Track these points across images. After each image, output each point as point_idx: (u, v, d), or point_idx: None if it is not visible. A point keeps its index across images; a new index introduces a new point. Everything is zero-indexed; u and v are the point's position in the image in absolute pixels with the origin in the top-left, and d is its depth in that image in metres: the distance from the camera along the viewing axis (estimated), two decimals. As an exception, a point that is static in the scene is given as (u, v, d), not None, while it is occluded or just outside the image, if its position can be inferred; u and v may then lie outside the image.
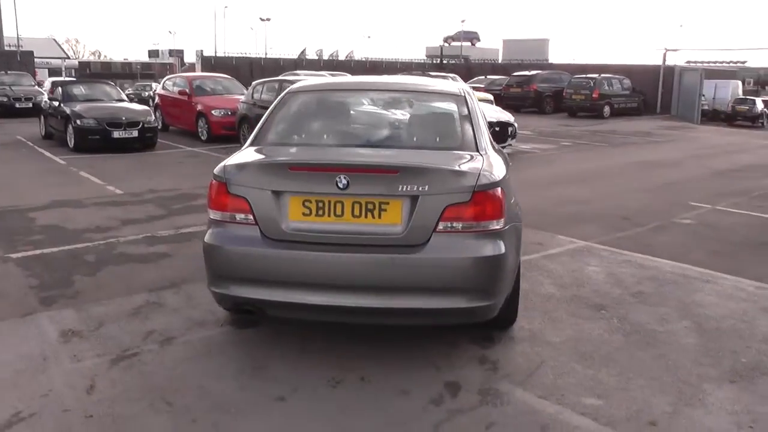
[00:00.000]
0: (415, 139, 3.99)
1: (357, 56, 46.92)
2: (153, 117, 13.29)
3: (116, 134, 12.32)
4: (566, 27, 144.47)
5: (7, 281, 4.94)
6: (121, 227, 6.67)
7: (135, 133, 12.51)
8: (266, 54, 41.72)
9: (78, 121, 12.28)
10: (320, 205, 3.26)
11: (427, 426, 2.98)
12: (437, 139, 3.93)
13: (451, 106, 4.11)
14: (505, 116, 12.86)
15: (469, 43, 58.97)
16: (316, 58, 42.08)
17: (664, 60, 28.56)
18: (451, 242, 3.21)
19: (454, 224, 3.21)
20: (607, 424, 3.01)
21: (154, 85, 38.97)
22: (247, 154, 3.69)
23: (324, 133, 4.07)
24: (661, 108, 27.37)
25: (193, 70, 32.21)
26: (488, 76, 31.63)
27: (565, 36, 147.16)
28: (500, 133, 5.07)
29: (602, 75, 25.38)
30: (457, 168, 3.38)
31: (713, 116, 27.31)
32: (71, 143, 12.45)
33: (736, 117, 26.95)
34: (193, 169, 10.93)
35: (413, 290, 3.23)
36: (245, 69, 31.79)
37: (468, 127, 3.85)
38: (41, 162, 11.44)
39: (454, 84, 4.60)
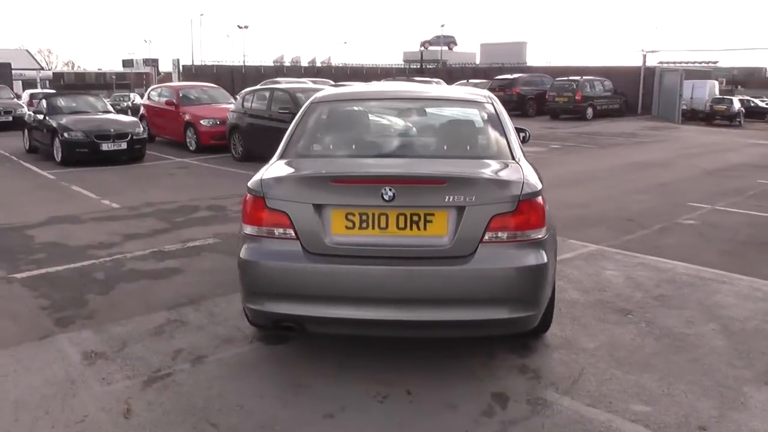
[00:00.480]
0: (445, 147, 3.96)
1: (334, 62, 46.90)
2: (141, 128, 13.07)
3: (105, 147, 12.07)
4: (541, 30, 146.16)
5: (16, 303, 4.78)
6: (124, 242, 6.53)
7: (124, 146, 12.27)
8: (244, 61, 41.55)
9: (65, 134, 12.01)
10: (364, 218, 3.20)
11: (484, 438, 2.94)
12: (470, 148, 3.89)
13: (481, 114, 4.08)
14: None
15: (446, 48, 59.26)
16: (290, 64, 42.01)
17: (644, 61, 28.96)
18: (497, 253, 3.18)
19: (499, 234, 3.18)
20: (659, 431, 3.00)
21: (131, 95, 38.52)
22: (280, 167, 3.61)
23: (355, 143, 4.00)
24: (642, 109, 27.70)
25: (170, 80, 31.79)
26: (470, 80, 31.73)
27: (540, 39, 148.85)
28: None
29: (584, 77, 25.62)
30: (502, 177, 3.36)
31: (692, 116, 27.80)
32: (58, 157, 12.18)
33: (715, 116, 27.50)
34: (186, 180, 10.74)
35: (458, 302, 3.19)
36: (226, 77, 31.63)
37: (501, 135, 3.83)
38: (29, 177, 11.19)
39: (479, 91, 4.58)
